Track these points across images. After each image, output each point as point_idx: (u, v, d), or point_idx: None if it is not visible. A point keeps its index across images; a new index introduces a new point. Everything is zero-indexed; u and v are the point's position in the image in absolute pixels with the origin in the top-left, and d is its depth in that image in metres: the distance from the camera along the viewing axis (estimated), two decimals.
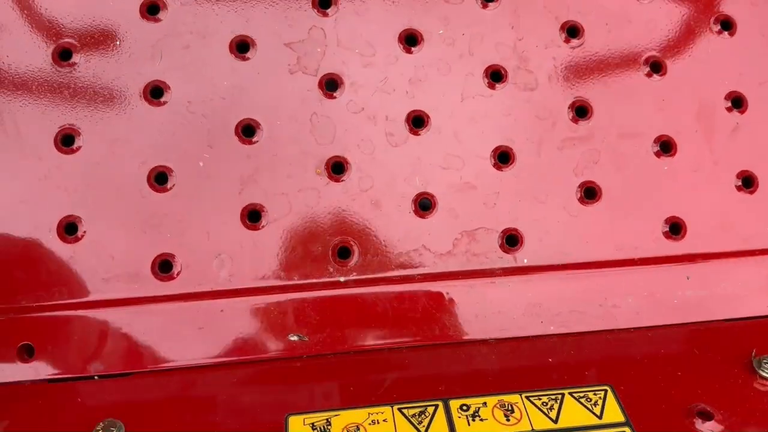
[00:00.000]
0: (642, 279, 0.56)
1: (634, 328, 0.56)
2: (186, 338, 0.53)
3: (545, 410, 0.50)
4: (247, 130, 0.56)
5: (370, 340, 0.56)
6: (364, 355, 0.54)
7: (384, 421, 0.49)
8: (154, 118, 0.55)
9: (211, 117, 0.55)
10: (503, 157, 0.57)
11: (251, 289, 0.54)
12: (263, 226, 0.55)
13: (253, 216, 0.55)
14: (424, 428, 0.49)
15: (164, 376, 0.53)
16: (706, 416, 0.49)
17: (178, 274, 0.54)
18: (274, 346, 0.55)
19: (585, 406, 0.50)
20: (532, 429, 0.49)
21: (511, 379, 0.52)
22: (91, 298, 0.54)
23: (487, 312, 0.55)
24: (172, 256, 0.54)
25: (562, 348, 0.54)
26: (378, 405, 0.50)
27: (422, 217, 0.56)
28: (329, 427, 0.49)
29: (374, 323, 0.55)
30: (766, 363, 0.53)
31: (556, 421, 0.49)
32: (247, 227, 0.55)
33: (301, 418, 0.50)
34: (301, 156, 0.55)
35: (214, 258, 0.54)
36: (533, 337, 0.54)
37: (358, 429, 0.49)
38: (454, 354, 0.55)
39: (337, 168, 0.56)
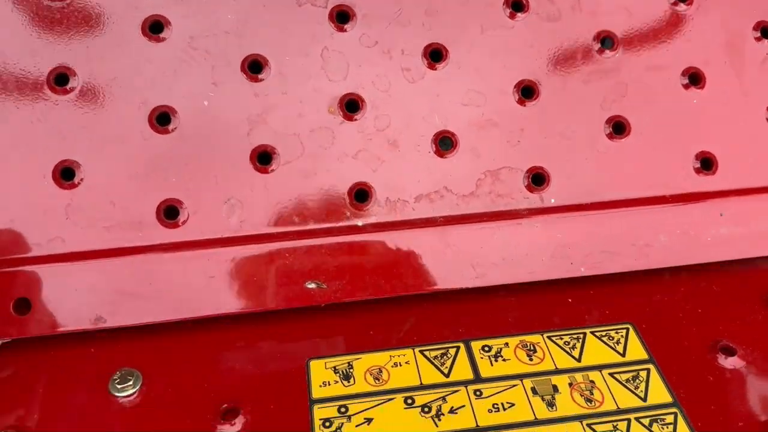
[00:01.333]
0: (674, 217, 0.54)
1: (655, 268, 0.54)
2: (196, 289, 0.51)
3: (567, 349, 0.49)
4: (254, 67, 0.53)
5: (392, 287, 0.56)
6: (382, 300, 0.51)
7: (406, 363, 0.48)
8: (154, 55, 0.52)
9: (214, 53, 0.52)
10: (527, 92, 0.55)
11: (264, 235, 0.52)
12: (274, 169, 0.52)
13: (263, 158, 0.52)
14: (447, 369, 0.48)
15: (178, 327, 0.50)
16: (729, 351, 0.50)
17: (184, 222, 0.51)
18: (290, 295, 0.55)
19: (607, 345, 0.49)
20: (556, 368, 0.48)
21: (532, 320, 0.55)
22: (92, 247, 0.50)
23: (514, 255, 0.53)
24: (179, 201, 0.51)
25: (582, 288, 0.52)
26: (399, 348, 0.48)
27: (442, 156, 0.54)
28: (351, 370, 0.47)
29: (395, 269, 0.53)
30: None
31: (579, 360, 0.49)
32: (258, 170, 0.52)
33: (322, 362, 0.48)
34: (312, 94, 0.53)
35: (223, 203, 0.51)
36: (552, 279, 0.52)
37: (381, 371, 0.47)
38: (473, 296, 0.53)
39: (351, 106, 0.53)
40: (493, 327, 0.54)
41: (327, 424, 0.47)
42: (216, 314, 0.53)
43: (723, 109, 0.59)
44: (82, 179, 0.53)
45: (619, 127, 0.58)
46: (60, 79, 0.54)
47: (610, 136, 0.58)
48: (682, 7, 0.59)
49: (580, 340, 0.53)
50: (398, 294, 0.55)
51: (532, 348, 0.52)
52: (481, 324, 0.54)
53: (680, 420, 0.47)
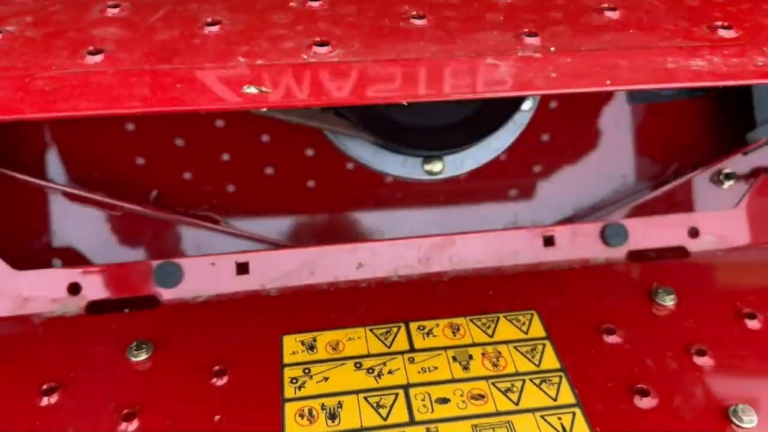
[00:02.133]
0: None
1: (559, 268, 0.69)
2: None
3: (484, 329, 0.63)
4: None
5: (339, 95, 0.48)
6: (342, 290, 0.67)
7: (358, 338, 0.63)
8: None
9: None
10: None
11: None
12: None
13: None
14: (389, 342, 0.62)
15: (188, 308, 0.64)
16: (610, 331, 0.63)
17: None
18: (227, 98, 0.47)
19: (515, 326, 0.64)
20: (473, 342, 0.62)
21: (459, 307, 0.65)
22: None
23: None
24: None
25: (500, 284, 0.67)
26: (354, 327, 0.63)
27: None
28: (315, 343, 0.62)
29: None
30: (662, 293, 0.67)
31: (492, 336, 0.63)
32: None
33: (293, 337, 0.63)
34: None
35: None
36: (478, 276, 0.67)
37: (338, 344, 0.62)
38: (415, 287, 0.67)
39: None
40: (429, 312, 0.69)
41: (294, 381, 0.61)
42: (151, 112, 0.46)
43: None
44: None
45: None
46: None
47: None
48: None
49: (495, 322, 0.68)
50: (338, 103, 0.49)
51: (456, 328, 0.67)
52: (420, 309, 0.69)
53: (564, 381, 0.62)
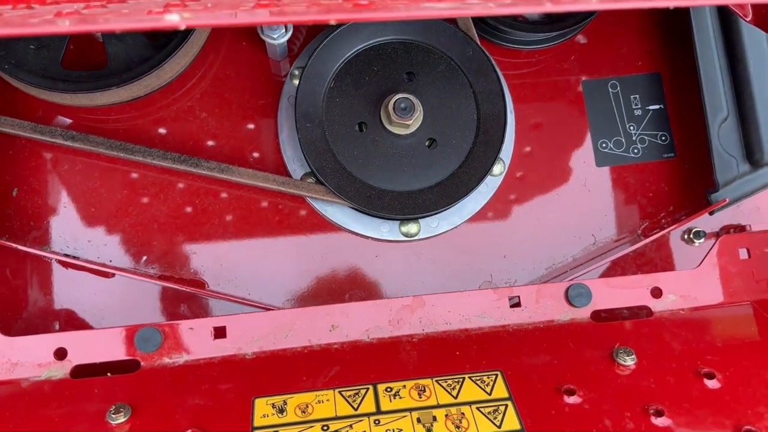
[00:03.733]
0: None
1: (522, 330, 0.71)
2: None
3: (449, 390, 0.66)
4: None
5: None
6: (314, 353, 0.69)
7: (327, 400, 0.65)
8: None
9: None
10: None
11: None
12: None
13: None
14: (357, 404, 0.65)
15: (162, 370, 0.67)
16: (570, 392, 0.65)
17: None
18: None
19: (479, 386, 0.66)
20: (438, 403, 0.64)
21: (426, 368, 0.67)
22: None
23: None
24: None
25: (467, 344, 0.69)
26: (323, 389, 0.65)
27: None
28: (285, 405, 0.64)
29: None
30: (622, 353, 0.69)
31: (456, 397, 0.65)
32: None
33: (264, 400, 0.65)
34: None
35: None
36: (446, 337, 0.69)
37: (307, 406, 0.64)
38: (385, 348, 0.69)
39: None
40: (397, 373, 0.71)
41: None
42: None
43: None
44: None
45: None
46: None
47: None
48: None
49: (460, 383, 0.70)
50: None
51: (422, 389, 0.69)
52: (389, 370, 0.71)
53: None
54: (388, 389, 0.69)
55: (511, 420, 0.65)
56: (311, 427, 0.65)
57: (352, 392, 0.69)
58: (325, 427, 0.65)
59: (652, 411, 0.65)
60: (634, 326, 0.75)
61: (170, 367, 0.71)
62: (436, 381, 0.70)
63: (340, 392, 0.69)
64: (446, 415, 0.66)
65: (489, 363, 0.71)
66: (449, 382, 0.70)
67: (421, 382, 0.70)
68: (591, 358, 0.72)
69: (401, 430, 0.65)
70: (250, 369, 0.72)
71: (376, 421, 0.65)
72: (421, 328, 0.75)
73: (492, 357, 0.71)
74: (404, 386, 0.69)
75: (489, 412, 0.66)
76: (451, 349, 0.73)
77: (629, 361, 0.70)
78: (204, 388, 0.69)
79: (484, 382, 0.70)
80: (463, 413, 0.66)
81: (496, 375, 0.70)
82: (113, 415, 0.65)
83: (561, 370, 0.70)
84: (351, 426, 0.65)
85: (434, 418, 0.66)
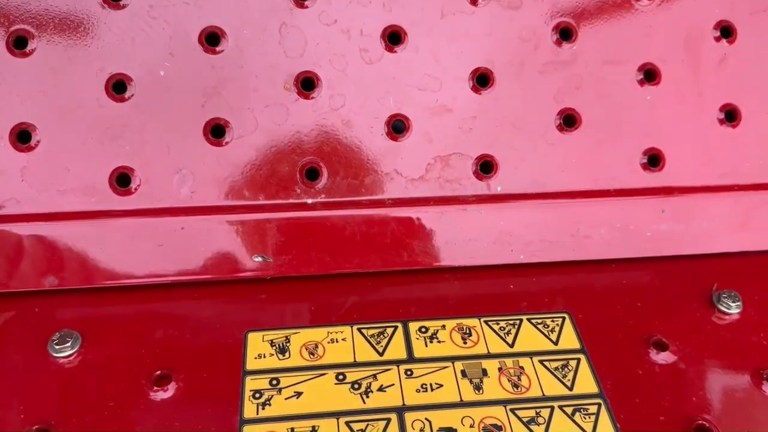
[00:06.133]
0: (616, 210, 0.54)
1: (600, 260, 0.53)
2: (145, 255, 0.51)
3: (502, 334, 0.49)
4: (212, 39, 0.51)
5: (337, 265, 0.56)
6: (326, 278, 0.51)
7: (343, 340, 0.48)
8: (113, 22, 0.51)
9: (173, 23, 0.51)
10: (482, 80, 0.54)
11: (213, 207, 0.52)
12: (227, 142, 0.51)
13: (216, 131, 0.52)
14: (382, 348, 0.48)
15: (122, 292, 0.50)
16: (661, 347, 0.49)
17: (136, 189, 0.51)
18: (236, 267, 0.55)
19: (542, 332, 0.49)
20: (488, 352, 0.48)
21: (472, 304, 0.54)
22: (46, 210, 0.50)
23: (457, 239, 0.53)
24: (131, 169, 0.50)
25: (524, 275, 0.52)
26: (338, 324, 0.48)
27: (395, 139, 0.53)
28: (288, 344, 0.47)
29: (342, 247, 0.52)
30: (725, 297, 0.53)
31: (512, 345, 0.49)
32: (211, 143, 0.51)
33: (260, 334, 0.48)
34: (268, 69, 0.52)
35: (175, 173, 0.51)
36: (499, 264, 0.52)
37: (317, 347, 0.47)
38: (416, 278, 0.53)
39: (307, 84, 0.52)
40: (432, 309, 0.53)
41: (257, 395, 0.47)
42: (162, 282, 0.53)
43: (675, 107, 0.58)
44: (38, 142, 0.53)
45: (569, 120, 0.57)
46: (19, 41, 0.53)
47: (560, 128, 0.57)
48: (644, 2, 0.58)
49: (516, 326, 0.52)
50: (342, 271, 0.54)
51: (467, 331, 0.52)
52: (422, 306, 0.54)
53: (603, 411, 0.47)
54: (423, 329, 0.52)
55: (586, 380, 0.49)
56: (323, 374, 0.48)
57: (376, 331, 0.51)
58: (340, 376, 0.48)
59: (766, 375, 0.49)
60: (739, 263, 0.58)
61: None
62: (485, 321, 0.53)
63: (359, 330, 0.52)
64: (499, 369, 0.49)
65: (553, 301, 0.54)
66: (502, 323, 0.52)
67: (466, 322, 0.53)
68: (684, 300, 0.55)
69: (441, 385, 0.48)
70: (237, 293, 0.54)
71: (408, 372, 0.49)
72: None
73: (557, 293, 0.54)
74: (443, 326, 0.52)
75: (556, 368, 0.50)
76: (502, 281, 0.55)
77: (734, 309, 0.54)
78: (178, 314, 0.52)
79: (548, 326, 0.53)
80: (522, 367, 0.49)
81: (563, 318, 0.53)
82: (56, 346, 0.48)
83: (646, 315, 0.53)
84: (374, 376, 0.48)
85: (484, 372, 0.49)
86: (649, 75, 0.58)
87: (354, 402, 0.47)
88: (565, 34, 0.57)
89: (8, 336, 0.50)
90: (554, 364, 0.50)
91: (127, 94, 0.53)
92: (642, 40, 0.58)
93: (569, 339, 0.52)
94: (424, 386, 0.48)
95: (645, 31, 0.58)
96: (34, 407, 0.45)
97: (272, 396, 0.47)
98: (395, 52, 0.56)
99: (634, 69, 0.57)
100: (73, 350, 0.48)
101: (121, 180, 0.53)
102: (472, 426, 0.46)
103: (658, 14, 0.58)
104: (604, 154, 0.57)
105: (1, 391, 0.46)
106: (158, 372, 0.47)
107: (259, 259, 0.54)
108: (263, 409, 0.46)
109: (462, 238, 0.55)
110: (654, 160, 0.58)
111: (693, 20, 0.58)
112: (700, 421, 0.46)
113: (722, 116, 0.59)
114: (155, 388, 0.46)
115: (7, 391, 0.46)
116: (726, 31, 0.59)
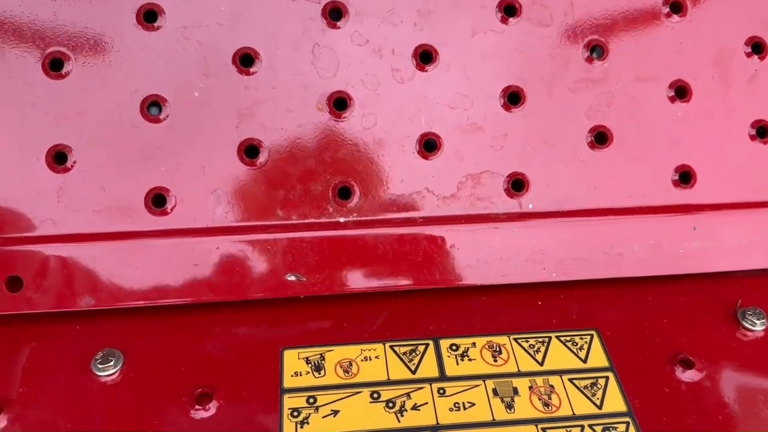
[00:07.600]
0: (648, 227, 0.54)
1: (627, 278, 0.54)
2: (180, 275, 0.52)
3: (532, 352, 0.51)
4: (246, 60, 0.52)
5: (370, 283, 0.57)
6: (359, 297, 0.52)
7: (376, 357, 0.49)
8: (147, 44, 0.52)
9: (206, 44, 0.52)
10: (513, 98, 0.54)
11: (248, 227, 0.52)
12: (261, 163, 0.52)
13: (250, 151, 0.53)
14: (414, 366, 0.49)
15: (160, 310, 0.51)
16: (687, 365, 0.51)
17: (172, 209, 0.52)
18: (271, 286, 0.56)
19: (570, 350, 0.50)
20: (519, 370, 0.49)
21: (501, 321, 0.56)
22: (81, 230, 0.51)
23: (489, 257, 0.54)
24: (167, 190, 0.52)
25: (552, 292, 0.53)
26: (370, 342, 0.49)
27: (426, 158, 0.54)
28: (323, 361, 0.48)
29: (374, 265, 0.53)
30: (750, 314, 0.54)
31: (541, 364, 0.50)
32: (245, 163, 0.52)
33: (296, 352, 0.49)
34: (301, 89, 0.52)
35: (210, 194, 0.52)
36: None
37: (351, 364, 0.48)
38: (446, 295, 0.53)
39: (339, 104, 0.53)
40: (462, 326, 0.54)
41: (295, 413, 0.48)
42: (198, 301, 0.54)
43: (706, 124, 0.58)
44: (74, 163, 0.54)
45: (601, 137, 0.57)
46: (55, 63, 0.54)
47: (591, 146, 0.57)
48: (674, 18, 0.58)
49: (545, 344, 0.53)
50: (374, 290, 0.55)
51: (497, 349, 0.53)
52: (452, 323, 0.55)
53: (632, 429, 0.48)
54: (453, 347, 0.53)
55: (615, 398, 0.50)
56: (358, 392, 0.50)
57: (408, 348, 0.53)
58: (375, 395, 0.49)
59: None
60: (763, 281, 0.58)
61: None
62: (515, 339, 0.54)
63: (391, 347, 0.53)
64: (530, 387, 0.50)
65: (581, 319, 0.55)
66: (531, 341, 0.53)
67: (495, 339, 0.54)
68: (709, 317, 0.55)
69: (473, 404, 0.49)
70: (272, 310, 0.55)
71: (441, 390, 0.50)
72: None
73: (585, 311, 0.55)
74: (474, 344, 0.53)
75: (585, 386, 0.51)
76: (530, 297, 0.56)
77: (758, 326, 0.54)
78: (216, 332, 0.53)
79: (576, 344, 0.54)
80: (552, 386, 0.50)
81: (592, 335, 0.54)
82: (99, 365, 0.49)
83: (672, 332, 0.54)
84: (408, 395, 0.50)
85: (515, 391, 0.50)
86: (680, 92, 0.58)
87: (389, 421, 0.48)
88: (596, 51, 0.57)
89: (51, 356, 0.51)
90: (583, 383, 0.51)
91: (161, 115, 0.54)
92: (673, 56, 0.58)
93: (598, 357, 0.53)
94: (456, 405, 0.49)
95: (676, 47, 0.58)
96: (79, 426, 0.47)
97: (310, 414, 0.48)
98: (426, 71, 0.56)
99: (665, 86, 0.58)
100: (116, 369, 0.50)
101: (157, 200, 0.55)
102: None
103: (688, 30, 0.58)
104: (636, 171, 0.57)
105: (47, 410, 0.48)
106: (199, 390, 0.49)
107: (293, 278, 0.55)
108: (302, 427, 0.47)
109: (493, 257, 0.56)
110: (685, 177, 0.58)
111: (724, 36, 0.58)
112: None
113: (753, 132, 0.59)
114: (197, 406, 0.48)
115: (52, 410, 0.48)
116: (757, 48, 0.59)
